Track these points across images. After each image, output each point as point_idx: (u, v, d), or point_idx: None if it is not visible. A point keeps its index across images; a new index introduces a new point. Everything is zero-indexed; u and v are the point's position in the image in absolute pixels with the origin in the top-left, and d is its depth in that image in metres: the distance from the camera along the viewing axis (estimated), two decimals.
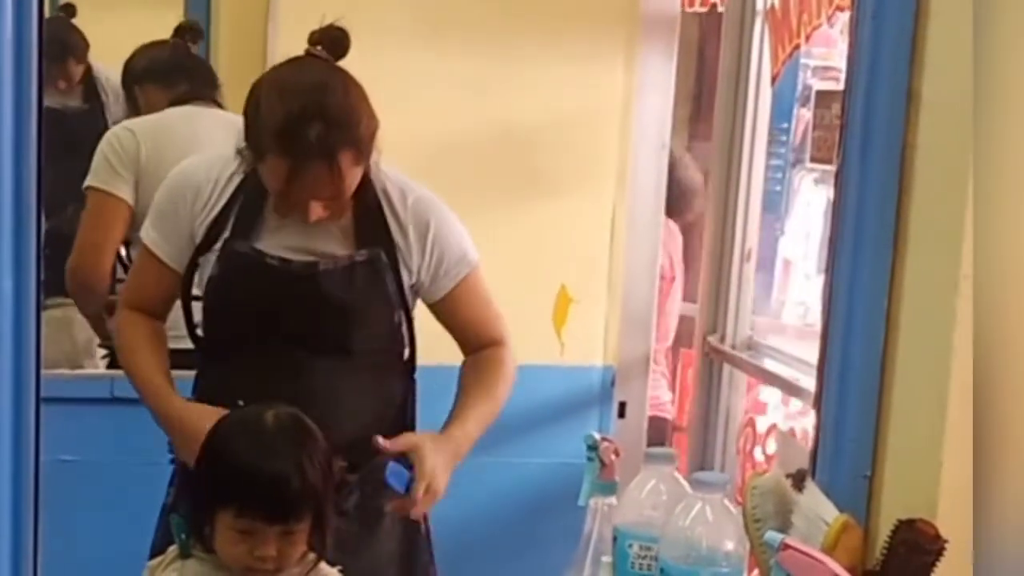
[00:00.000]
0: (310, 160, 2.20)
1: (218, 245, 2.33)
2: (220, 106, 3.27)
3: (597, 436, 2.16)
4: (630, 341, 3.64)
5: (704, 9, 3.97)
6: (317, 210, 2.26)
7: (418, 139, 3.48)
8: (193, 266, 2.36)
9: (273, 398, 2.15)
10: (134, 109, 3.39)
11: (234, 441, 2.10)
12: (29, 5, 1.62)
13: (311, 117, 2.20)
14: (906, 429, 1.99)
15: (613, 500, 2.12)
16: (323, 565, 2.13)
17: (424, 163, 3.48)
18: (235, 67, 3.67)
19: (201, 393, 2.40)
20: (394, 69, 3.44)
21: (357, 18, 3.37)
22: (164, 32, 3.49)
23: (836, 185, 2.09)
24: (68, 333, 3.52)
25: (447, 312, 2.46)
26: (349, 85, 2.29)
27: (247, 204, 2.34)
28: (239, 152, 2.34)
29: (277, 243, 2.33)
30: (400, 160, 3.44)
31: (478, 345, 2.49)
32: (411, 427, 2.47)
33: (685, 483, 2.00)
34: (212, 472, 2.10)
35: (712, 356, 3.47)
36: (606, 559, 2.04)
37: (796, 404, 3.52)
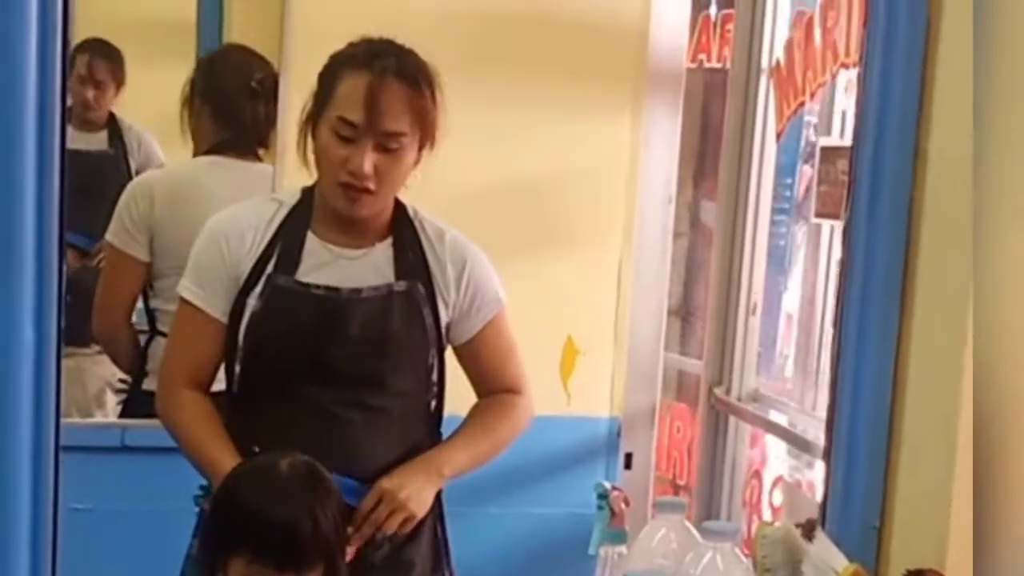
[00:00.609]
0: (388, 76, 2.28)
1: (261, 283, 2.35)
2: (259, 159, 3.27)
3: (607, 485, 2.18)
4: (636, 393, 3.65)
5: (711, 65, 4.02)
6: (368, 163, 2.27)
7: (426, 191, 3.50)
8: (240, 310, 2.36)
9: (302, 451, 2.16)
10: (183, 123, 3.30)
11: (248, 488, 2.11)
12: (53, 57, 1.66)
13: (390, 52, 2.33)
14: (915, 480, 2.01)
15: (623, 549, 2.13)
16: None
17: (432, 215, 3.52)
18: None
19: (232, 431, 2.38)
20: None
21: None
22: (177, 69, 3.48)
23: (844, 240, 2.12)
24: (79, 382, 3.54)
25: (473, 354, 2.47)
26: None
27: (289, 241, 2.37)
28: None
29: (319, 276, 2.35)
30: None
31: (496, 391, 2.50)
32: None
33: (695, 532, 2.02)
34: (225, 518, 2.12)
35: (718, 408, 3.49)
36: None
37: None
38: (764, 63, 3.47)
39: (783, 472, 3.50)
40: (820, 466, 3.26)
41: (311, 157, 2.38)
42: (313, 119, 2.35)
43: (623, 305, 3.64)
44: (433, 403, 2.47)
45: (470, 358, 2.48)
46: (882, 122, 2.04)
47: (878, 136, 2.04)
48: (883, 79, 2.06)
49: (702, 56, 3.89)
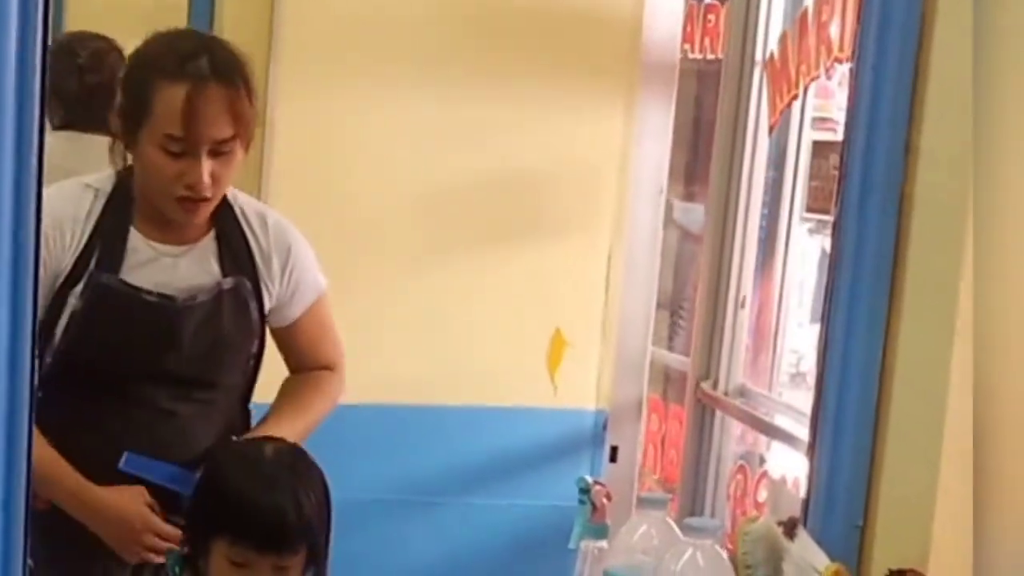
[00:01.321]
0: (207, 82, 2.20)
1: (83, 281, 2.27)
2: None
3: (589, 479, 2.16)
4: (623, 385, 3.64)
5: (695, 56, 3.98)
6: (206, 173, 2.21)
7: (416, 183, 3.50)
8: (58, 307, 2.27)
9: (121, 441, 2.20)
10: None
11: (232, 471, 2.10)
12: (33, 47, 1.63)
13: (201, 50, 2.23)
14: (899, 479, 2.00)
15: (604, 543, 2.12)
16: None
17: (422, 206, 3.51)
18: None
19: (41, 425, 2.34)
20: (393, 113, 3.46)
21: (356, 62, 3.43)
22: None
23: (834, 235, 2.10)
24: None
25: (292, 337, 2.46)
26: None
27: (110, 237, 2.29)
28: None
29: (145, 277, 2.29)
30: (398, 203, 3.48)
31: (311, 368, 2.50)
32: None
33: (677, 528, 2.00)
34: (209, 501, 2.11)
35: (704, 403, 3.47)
36: None
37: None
38: (758, 56, 3.45)
39: (769, 467, 3.49)
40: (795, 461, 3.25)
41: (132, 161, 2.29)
42: (131, 134, 2.26)
43: (612, 298, 3.63)
44: (247, 385, 2.45)
45: (287, 341, 2.47)
46: (874, 117, 2.02)
47: (870, 131, 2.02)
48: (876, 73, 2.03)
49: (686, 47, 3.85)
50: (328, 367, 2.50)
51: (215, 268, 2.34)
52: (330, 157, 3.46)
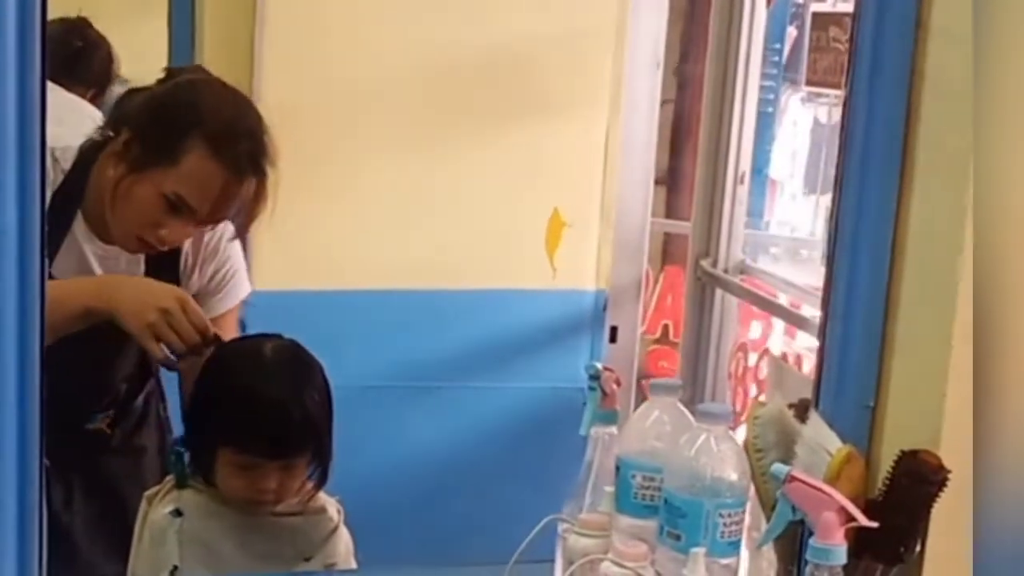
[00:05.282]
0: (244, 175, 2.13)
1: None
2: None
3: (599, 365, 2.14)
4: (623, 265, 3.62)
5: None
6: (186, 236, 2.20)
7: (407, 60, 3.43)
8: None
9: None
10: None
11: (233, 375, 2.08)
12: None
13: (248, 131, 2.15)
14: (910, 359, 1.98)
15: (614, 429, 2.11)
16: (321, 494, 2.13)
17: (412, 84, 3.44)
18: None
19: None
20: None
21: None
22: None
23: (844, 112, 2.06)
24: None
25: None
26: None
27: (57, 218, 2.17)
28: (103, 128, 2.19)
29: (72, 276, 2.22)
30: (388, 81, 3.41)
31: None
32: None
33: (689, 414, 1.99)
34: (211, 407, 2.09)
35: (704, 280, 3.45)
36: (608, 489, 2.03)
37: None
38: None
39: (770, 344, 3.49)
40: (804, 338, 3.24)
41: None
42: (137, 159, 2.13)
43: (610, 175, 3.58)
44: None
45: None
46: None
47: (880, 5, 1.97)
48: None
49: None
50: None
51: (140, 270, 2.28)
52: (321, 34, 3.38)
